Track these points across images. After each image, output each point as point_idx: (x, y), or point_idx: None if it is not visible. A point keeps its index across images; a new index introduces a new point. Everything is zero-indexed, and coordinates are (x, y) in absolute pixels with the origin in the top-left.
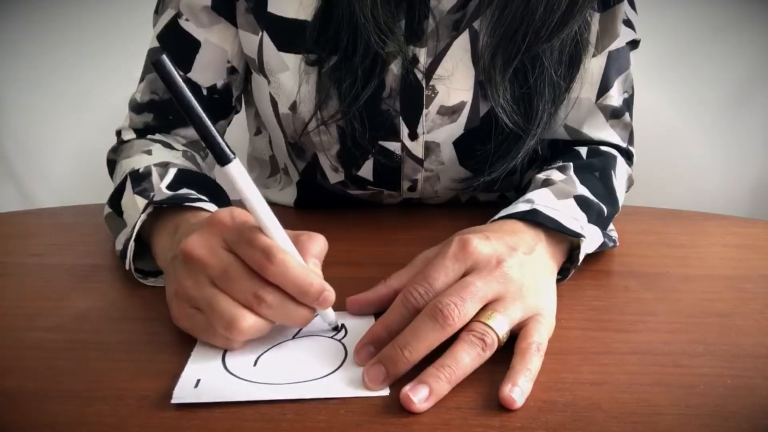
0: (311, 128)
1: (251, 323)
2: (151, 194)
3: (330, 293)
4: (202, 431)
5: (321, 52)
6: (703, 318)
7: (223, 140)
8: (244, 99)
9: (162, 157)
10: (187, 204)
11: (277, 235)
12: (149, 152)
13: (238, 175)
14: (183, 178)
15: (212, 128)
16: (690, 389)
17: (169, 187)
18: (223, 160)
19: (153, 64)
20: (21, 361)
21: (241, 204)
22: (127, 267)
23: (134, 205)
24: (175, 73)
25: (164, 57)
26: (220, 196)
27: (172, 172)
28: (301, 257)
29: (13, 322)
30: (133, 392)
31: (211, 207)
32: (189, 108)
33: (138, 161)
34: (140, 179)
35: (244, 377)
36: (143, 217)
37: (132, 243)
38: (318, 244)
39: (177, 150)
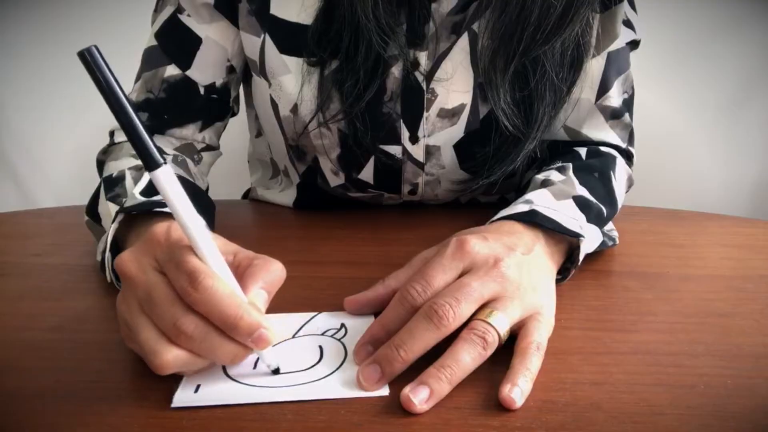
0: (312, 128)
1: (171, 357)
2: (123, 200)
3: (266, 332)
4: (202, 431)
5: (323, 53)
6: (703, 318)
7: (153, 143)
8: (245, 101)
9: None
10: (157, 210)
11: (208, 256)
12: (136, 155)
13: (166, 184)
14: None
15: (141, 129)
16: (690, 389)
17: (144, 192)
18: (150, 165)
19: (80, 55)
20: (21, 361)
21: (246, 207)
22: (108, 279)
23: (108, 212)
24: (104, 64)
25: (93, 47)
26: (200, 201)
27: (147, 176)
28: (244, 284)
29: (13, 322)
30: (133, 392)
31: None
32: (116, 102)
33: (123, 164)
34: (113, 184)
35: (244, 381)
36: (115, 225)
37: (108, 254)
38: (272, 272)
39: (167, 154)
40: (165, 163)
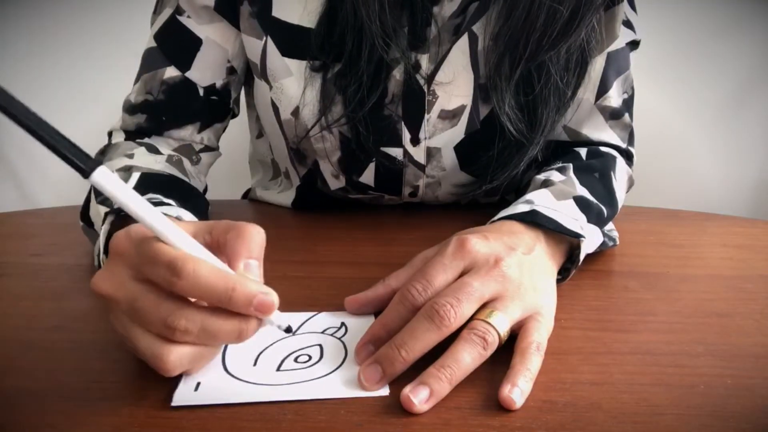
0: (314, 133)
1: (175, 357)
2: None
3: (266, 296)
4: (202, 431)
5: (325, 57)
6: (703, 318)
7: (78, 149)
8: (246, 102)
9: (140, 162)
10: None
11: (178, 240)
12: (131, 156)
13: (107, 184)
14: (148, 182)
15: (64, 140)
16: (690, 389)
17: None
18: (84, 171)
19: None
20: (21, 361)
21: (245, 208)
22: None
23: (98, 215)
24: (7, 92)
25: None
26: (191, 199)
27: (135, 177)
28: (228, 260)
29: (13, 322)
30: (133, 392)
31: (176, 212)
32: (31, 122)
33: (115, 165)
34: None
35: (244, 378)
36: (106, 227)
37: (103, 256)
38: (250, 238)
39: (162, 154)
40: (101, 163)
